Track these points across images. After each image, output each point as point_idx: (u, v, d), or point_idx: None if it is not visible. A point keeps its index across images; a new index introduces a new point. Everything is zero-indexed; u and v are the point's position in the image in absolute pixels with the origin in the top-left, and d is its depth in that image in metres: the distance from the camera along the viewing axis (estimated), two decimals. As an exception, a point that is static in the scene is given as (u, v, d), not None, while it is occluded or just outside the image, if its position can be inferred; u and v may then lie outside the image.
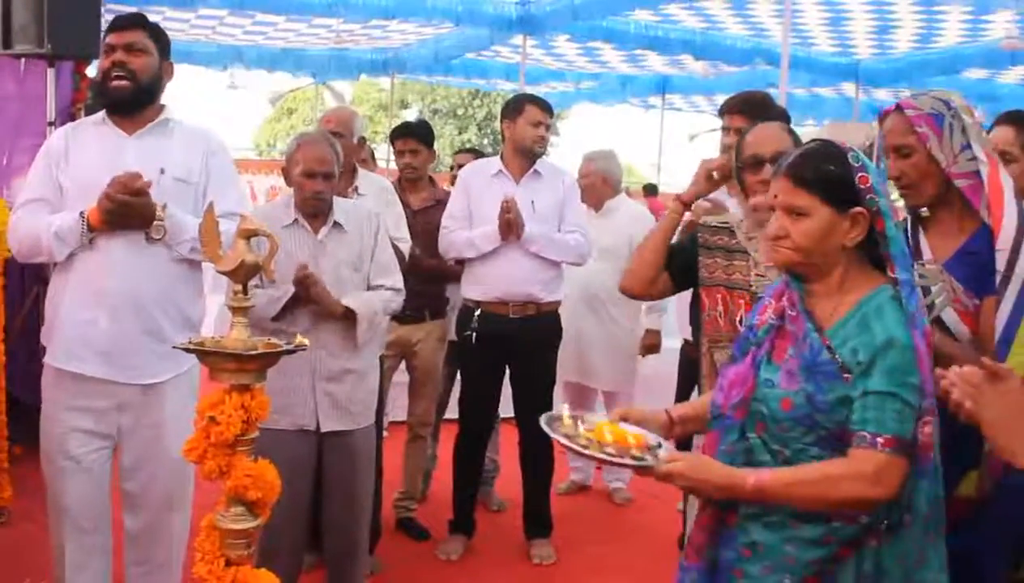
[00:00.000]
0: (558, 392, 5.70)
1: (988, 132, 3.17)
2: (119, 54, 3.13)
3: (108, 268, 3.07)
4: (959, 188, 2.52)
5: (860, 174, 2.08)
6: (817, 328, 2.08)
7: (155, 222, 3.03)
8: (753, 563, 2.11)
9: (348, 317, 3.55)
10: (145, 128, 3.18)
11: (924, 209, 2.64)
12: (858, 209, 2.07)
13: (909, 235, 2.63)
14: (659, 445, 2.15)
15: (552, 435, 2.18)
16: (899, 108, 2.57)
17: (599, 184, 5.55)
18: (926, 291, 2.50)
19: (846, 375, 2.01)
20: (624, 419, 2.26)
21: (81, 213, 3.03)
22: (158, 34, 3.24)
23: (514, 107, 4.74)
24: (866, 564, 2.04)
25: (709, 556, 2.20)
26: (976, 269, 2.36)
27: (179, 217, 3.08)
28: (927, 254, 2.59)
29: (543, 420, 2.23)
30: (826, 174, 2.08)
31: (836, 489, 1.97)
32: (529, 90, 9.24)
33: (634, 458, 2.09)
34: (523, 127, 4.66)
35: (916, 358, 2.00)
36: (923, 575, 2.08)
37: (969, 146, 2.50)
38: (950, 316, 2.44)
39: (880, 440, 1.95)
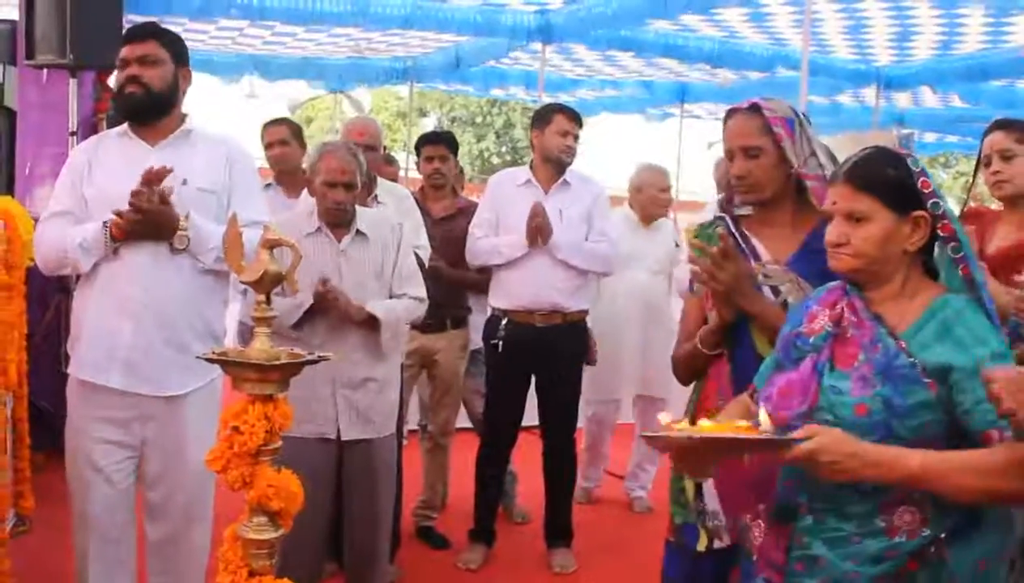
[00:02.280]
0: (627, 408, 5.73)
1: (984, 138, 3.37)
2: (132, 68, 3.14)
3: (132, 279, 3.08)
4: (809, 188, 2.61)
5: (922, 178, 2.06)
6: (890, 333, 2.04)
7: (178, 232, 3.04)
8: (808, 578, 2.06)
9: (370, 324, 3.56)
10: (167, 139, 3.19)
11: (748, 208, 2.72)
12: (920, 212, 2.05)
13: (735, 235, 2.69)
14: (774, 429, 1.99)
15: (679, 436, 1.97)
16: (755, 108, 2.63)
17: (656, 197, 5.58)
18: (775, 291, 2.57)
19: (927, 379, 1.96)
20: None
21: (104, 223, 3.04)
22: (172, 41, 3.23)
23: (543, 116, 4.75)
24: (932, 578, 1.99)
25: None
26: (818, 267, 2.37)
27: (203, 227, 3.09)
28: (763, 254, 2.65)
29: (649, 435, 2.09)
30: (887, 177, 2.06)
31: (994, 483, 1.87)
32: (547, 99, 9.25)
33: (775, 436, 1.93)
34: (551, 136, 4.66)
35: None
36: (1005, 570, 2.05)
37: (815, 154, 2.63)
38: None
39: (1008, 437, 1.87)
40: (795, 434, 1.91)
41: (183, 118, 3.26)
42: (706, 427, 1.99)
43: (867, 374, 2.02)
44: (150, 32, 3.22)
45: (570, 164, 4.73)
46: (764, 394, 2.19)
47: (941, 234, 2.07)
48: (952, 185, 26.85)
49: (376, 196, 4.41)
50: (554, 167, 4.70)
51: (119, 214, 2.99)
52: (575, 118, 4.75)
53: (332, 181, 3.58)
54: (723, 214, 2.81)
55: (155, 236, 3.05)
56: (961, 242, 2.06)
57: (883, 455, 1.91)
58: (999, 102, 10.09)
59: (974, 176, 3.59)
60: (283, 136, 5.15)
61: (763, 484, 2.16)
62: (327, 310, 3.52)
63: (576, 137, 4.72)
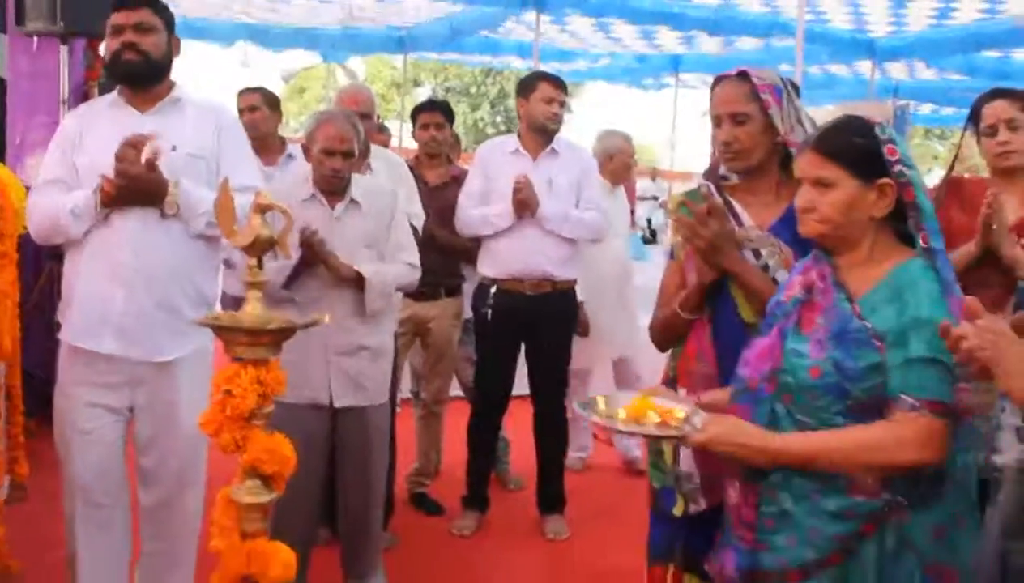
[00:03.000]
0: (607, 375, 5.76)
1: (975, 114, 3.34)
2: (128, 34, 3.12)
3: (123, 245, 3.08)
4: (795, 155, 2.60)
5: (888, 145, 2.09)
6: (848, 298, 2.08)
7: (168, 198, 3.03)
8: (777, 534, 2.10)
9: (359, 284, 3.56)
10: (157, 106, 3.17)
11: (735, 176, 2.73)
12: (885, 180, 2.08)
13: (715, 195, 2.71)
14: (695, 414, 2.13)
15: (593, 419, 2.16)
16: (743, 75, 2.65)
17: (627, 163, 5.63)
18: (757, 254, 2.60)
19: (877, 342, 2.01)
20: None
21: (94, 189, 3.03)
22: (164, 9, 3.21)
23: (527, 84, 4.73)
24: (888, 541, 2.03)
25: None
26: (799, 234, 2.39)
27: (193, 192, 3.08)
28: (746, 220, 2.67)
29: (577, 407, 2.21)
30: (852, 145, 2.09)
31: (880, 453, 1.97)
32: (543, 68, 9.22)
33: (675, 429, 2.08)
34: (536, 104, 4.65)
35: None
36: (963, 538, 2.07)
37: (801, 122, 2.65)
38: (783, 278, 2.47)
39: (923, 404, 1.95)
40: (697, 424, 2.07)
41: (172, 85, 3.25)
42: (634, 408, 2.12)
43: (822, 338, 2.07)
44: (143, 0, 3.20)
45: (556, 131, 4.71)
46: (744, 358, 2.25)
47: (905, 201, 2.10)
48: (947, 157, 26.84)
49: (369, 163, 4.40)
50: (541, 135, 4.69)
51: (107, 180, 2.98)
52: (560, 85, 4.73)
53: (330, 149, 3.57)
54: (707, 182, 2.82)
55: (144, 201, 3.03)
56: (922, 210, 2.09)
57: (768, 442, 2.05)
58: (994, 73, 10.09)
59: (959, 145, 3.57)
60: (254, 102, 5.14)
61: None
62: (314, 264, 3.51)
63: (562, 104, 4.70)
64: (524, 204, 4.50)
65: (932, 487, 2.03)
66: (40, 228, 3.19)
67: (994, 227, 3.05)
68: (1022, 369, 1.69)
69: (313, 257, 3.49)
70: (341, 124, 3.63)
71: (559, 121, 4.70)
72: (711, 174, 2.84)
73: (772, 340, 2.17)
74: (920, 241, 2.10)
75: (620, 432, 2.20)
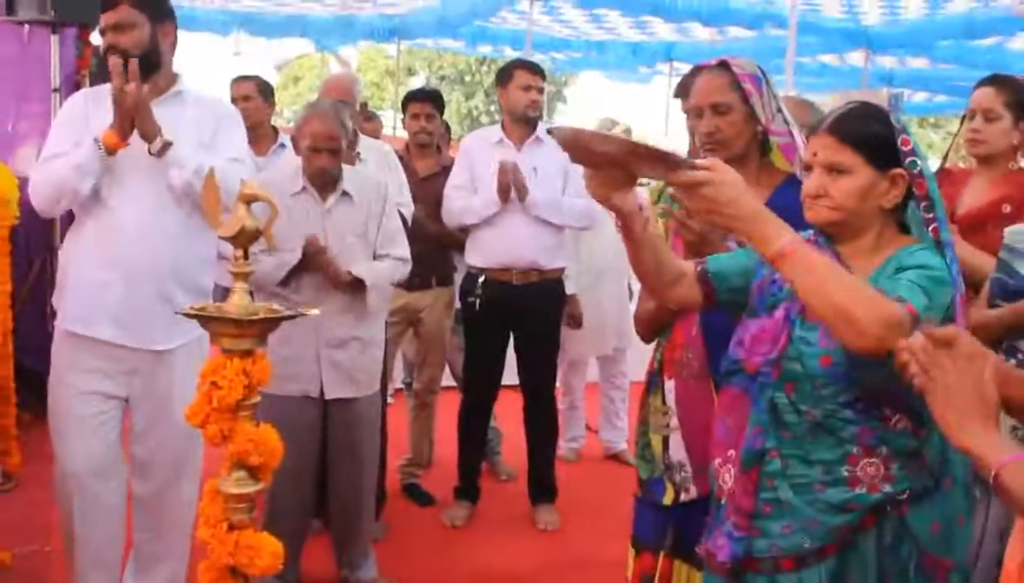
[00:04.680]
0: (591, 371, 5.79)
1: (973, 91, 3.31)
2: (109, 36, 3.11)
3: (121, 232, 3.09)
4: (778, 144, 2.64)
5: (902, 135, 2.05)
6: None
7: (161, 137, 3.02)
8: (773, 521, 2.08)
9: (355, 286, 3.57)
10: (159, 98, 3.14)
11: None
12: (898, 170, 2.04)
13: None
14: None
15: (570, 128, 1.95)
16: (723, 65, 2.64)
17: None
18: (740, 243, 2.53)
19: None
20: None
21: (95, 139, 3.03)
22: (145, 2, 3.16)
23: (504, 74, 4.74)
24: (887, 535, 2.02)
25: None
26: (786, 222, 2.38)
27: (183, 148, 3.07)
28: None
29: (552, 128, 2.02)
30: (871, 133, 2.04)
31: (850, 300, 1.82)
32: (537, 57, 9.20)
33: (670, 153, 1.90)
34: (514, 92, 4.65)
35: (953, 309, 1.97)
36: (961, 535, 2.07)
37: (780, 111, 2.65)
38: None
39: (905, 304, 1.86)
40: (699, 163, 1.88)
41: (175, 78, 3.24)
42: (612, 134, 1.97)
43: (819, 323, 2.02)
44: None
45: (537, 118, 4.70)
46: (737, 338, 2.19)
47: (916, 193, 2.06)
48: (942, 145, 26.82)
49: (359, 153, 4.40)
50: (523, 124, 4.68)
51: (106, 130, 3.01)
52: (536, 71, 4.72)
53: (316, 146, 3.59)
54: None
55: (142, 130, 3.01)
56: (933, 201, 2.06)
57: (759, 217, 1.89)
58: (988, 62, 10.08)
59: (956, 134, 3.57)
60: (247, 91, 5.13)
61: (733, 431, 2.17)
62: (314, 269, 3.53)
63: (540, 89, 4.69)
64: (507, 187, 4.50)
65: (932, 480, 2.02)
66: (43, 195, 3.14)
67: None
68: (954, 403, 1.60)
69: (314, 266, 3.51)
70: (327, 120, 3.63)
71: (538, 107, 4.68)
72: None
73: (776, 324, 2.10)
74: (930, 233, 2.06)
75: (612, 140, 1.92)
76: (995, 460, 1.49)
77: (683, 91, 3.78)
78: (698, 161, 1.90)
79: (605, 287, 5.55)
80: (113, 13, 3.12)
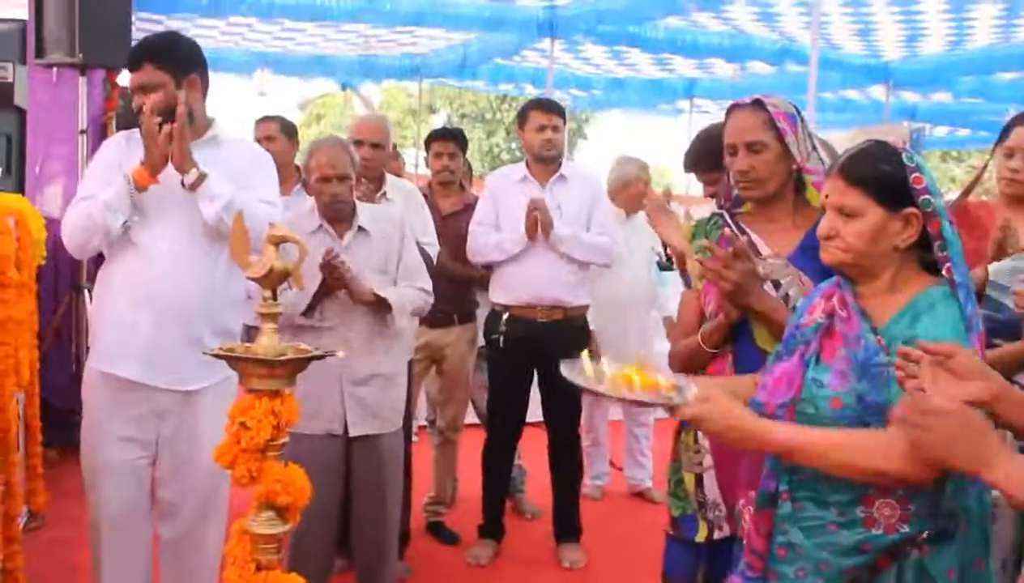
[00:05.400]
0: (615, 409, 5.78)
1: (1005, 134, 3.28)
2: (136, 98, 3.13)
3: (150, 270, 3.11)
4: (812, 182, 2.63)
5: (914, 174, 2.04)
6: (873, 328, 2.04)
7: (196, 169, 3.05)
8: (787, 564, 2.06)
9: (379, 308, 3.58)
10: (195, 142, 3.14)
11: (748, 204, 2.72)
12: (911, 210, 2.03)
13: (733, 229, 2.68)
14: (688, 387, 2.03)
15: (576, 382, 2.04)
16: (758, 103, 2.64)
17: (642, 192, 5.61)
18: (776, 285, 2.57)
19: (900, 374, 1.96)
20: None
21: (126, 176, 3.05)
22: (168, 56, 3.14)
23: (521, 115, 4.79)
24: (907, 576, 1.99)
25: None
26: (819, 262, 2.37)
27: (217, 183, 3.08)
28: (764, 249, 2.64)
29: (564, 370, 2.08)
30: (879, 174, 2.04)
31: (867, 457, 1.90)
32: (557, 95, 9.24)
33: (664, 398, 1.99)
34: (530, 134, 4.69)
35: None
36: (980, 579, 2.03)
37: (815, 149, 2.65)
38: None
39: None
40: (690, 397, 1.98)
41: (210, 123, 3.26)
42: (621, 376, 2.02)
43: (845, 369, 2.03)
44: (146, 55, 3.13)
45: (555, 157, 4.71)
46: (762, 382, 2.20)
47: (930, 231, 2.05)
48: (965, 178, 26.69)
49: (385, 193, 4.43)
50: (542, 163, 4.71)
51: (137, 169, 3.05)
52: (551, 110, 4.73)
53: (324, 176, 3.63)
54: (720, 210, 2.80)
55: (177, 162, 3.04)
56: (947, 241, 2.04)
57: (757, 429, 1.98)
58: (1010, 96, 10.06)
59: (982, 168, 3.53)
60: (269, 132, 5.18)
61: (754, 472, 2.17)
62: (335, 288, 3.53)
63: (555, 128, 4.69)
64: (538, 224, 4.51)
65: (950, 522, 1.99)
66: (74, 235, 3.14)
67: (1009, 252, 3.03)
68: (955, 445, 1.67)
69: (335, 282, 3.51)
70: (330, 150, 3.68)
71: (553, 146, 4.69)
72: (724, 202, 2.83)
73: (792, 367, 2.12)
74: (944, 272, 2.05)
75: (603, 397, 2.04)
76: None
77: (691, 163, 3.82)
78: (677, 399, 1.98)
79: (630, 321, 5.54)
80: (137, 75, 3.13)
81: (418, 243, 4.01)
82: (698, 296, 2.76)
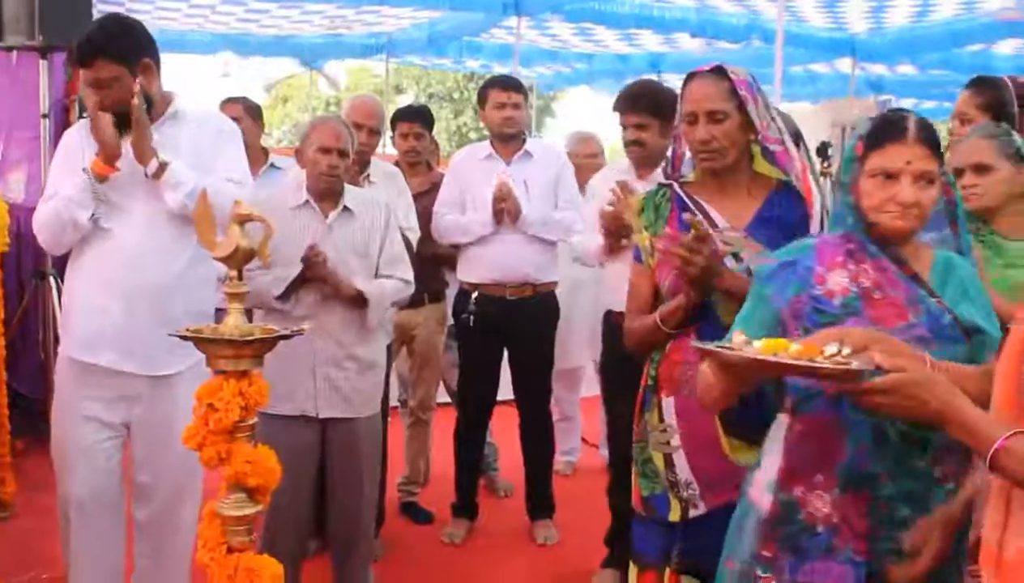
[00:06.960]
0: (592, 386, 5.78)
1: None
2: (91, 93, 3.08)
3: (118, 255, 3.09)
4: (774, 152, 2.59)
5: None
6: (930, 292, 2.06)
7: (157, 157, 3.01)
8: (886, 541, 2.06)
9: (357, 301, 3.56)
10: (156, 123, 3.12)
11: (695, 172, 2.69)
12: (943, 178, 2.14)
13: (688, 203, 2.62)
14: (854, 356, 1.79)
15: (723, 352, 1.86)
16: (719, 70, 2.59)
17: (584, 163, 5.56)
18: (737, 257, 2.54)
19: (965, 336, 2.02)
20: None
21: (84, 169, 3.03)
22: (119, 46, 3.05)
23: (481, 94, 4.78)
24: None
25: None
26: (777, 232, 2.34)
27: (181, 169, 3.06)
28: (720, 221, 2.60)
29: (699, 346, 1.95)
30: (939, 140, 2.10)
31: None
32: (523, 72, 9.23)
33: (844, 364, 1.75)
34: (490, 113, 4.68)
35: None
36: None
37: (774, 119, 2.61)
38: None
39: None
40: (884, 365, 1.74)
41: (170, 99, 3.22)
42: (765, 347, 1.84)
43: (924, 334, 2.00)
44: (95, 51, 3.03)
45: (515, 134, 4.69)
46: None
47: (946, 198, 2.17)
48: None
49: (368, 175, 4.40)
50: (505, 141, 4.69)
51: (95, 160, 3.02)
52: (510, 87, 4.71)
53: (327, 146, 3.58)
54: (668, 181, 2.74)
55: (137, 153, 3.01)
56: (959, 206, 2.18)
57: (979, 423, 1.67)
58: (974, 67, 10.13)
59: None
60: (234, 114, 5.11)
61: (817, 456, 2.07)
62: (315, 280, 3.51)
63: (516, 105, 4.67)
64: (502, 211, 4.50)
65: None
66: (46, 233, 3.14)
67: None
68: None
69: (316, 276, 3.49)
70: (336, 124, 3.68)
71: (514, 123, 4.67)
72: (671, 173, 2.77)
73: None
74: (950, 229, 2.19)
75: (787, 368, 1.79)
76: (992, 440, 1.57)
77: (622, 104, 3.80)
78: (857, 365, 1.75)
79: (583, 296, 5.50)
80: (90, 71, 3.05)
81: (400, 229, 3.98)
82: (651, 272, 2.71)
